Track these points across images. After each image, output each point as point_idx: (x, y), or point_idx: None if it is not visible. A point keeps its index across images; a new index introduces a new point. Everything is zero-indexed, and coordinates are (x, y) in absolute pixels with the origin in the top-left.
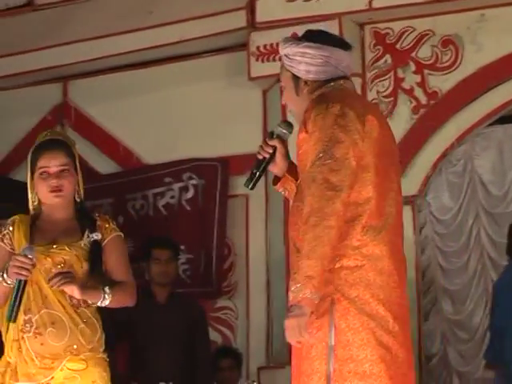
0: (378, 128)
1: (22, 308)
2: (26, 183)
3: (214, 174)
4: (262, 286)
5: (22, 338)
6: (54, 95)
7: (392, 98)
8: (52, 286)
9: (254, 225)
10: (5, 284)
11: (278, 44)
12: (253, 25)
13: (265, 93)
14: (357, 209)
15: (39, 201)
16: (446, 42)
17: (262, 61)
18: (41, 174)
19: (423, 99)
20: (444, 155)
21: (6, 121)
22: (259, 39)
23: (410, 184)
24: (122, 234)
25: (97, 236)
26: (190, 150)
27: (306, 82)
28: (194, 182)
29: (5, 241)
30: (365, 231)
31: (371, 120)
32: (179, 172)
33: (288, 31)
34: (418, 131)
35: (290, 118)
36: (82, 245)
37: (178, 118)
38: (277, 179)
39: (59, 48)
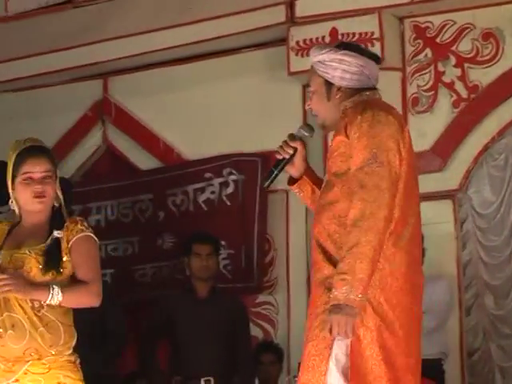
0: (409, 138)
1: None
2: (67, 179)
3: (255, 169)
4: (302, 281)
5: None
6: (95, 91)
7: (432, 92)
8: None
9: (294, 220)
10: None
11: (317, 39)
12: (292, 20)
13: (304, 87)
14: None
15: (18, 207)
16: (487, 35)
17: (302, 55)
18: (24, 179)
19: (464, 93)
20: (485, 149)
21: (47, 117)
22: (298, 34)
23: (451, 178)
24: (92, 235)
25: (58, 234)
26: (230, 145)
27: (339, 89)
28: (234, 177)
29: None
30: (391, 237)
31: (407, 131)
32: (219, 167)
33: (327, 26)
34: (458, 125)
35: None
36: (45, 246)
37: (218, 114)
38: (292, 180)
39: (99, 44)
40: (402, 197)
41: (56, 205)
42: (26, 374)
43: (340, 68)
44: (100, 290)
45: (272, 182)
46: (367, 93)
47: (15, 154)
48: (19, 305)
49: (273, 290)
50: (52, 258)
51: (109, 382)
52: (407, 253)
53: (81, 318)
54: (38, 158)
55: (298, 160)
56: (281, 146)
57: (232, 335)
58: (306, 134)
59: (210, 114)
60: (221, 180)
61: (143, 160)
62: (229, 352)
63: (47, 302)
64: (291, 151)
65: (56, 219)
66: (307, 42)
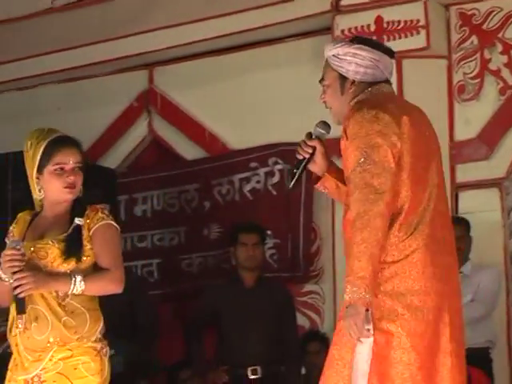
0: (412, 128)
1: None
2: (113, 170)
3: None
4: None
5: (16, 333)
6: (140, 82)
7: (479, 80)
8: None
9: (340, 209)
10: (2, 281)
11: (362, 27)
12: (337, 8)
13: None
14: (396, 207)
15: (44, 196)
16: None
17: None
18: (56, 169)
19: (510, 80)
20: None
21: (93, 108)
22: (343, 23)
23: (498, 166)
24: (113, 223)
25: (79, 221)
26: (276, 134)
27: (352, 82)
28: (279, 166)
29: (10, 238)
30: (401, 228)
31: (405, 121)
32: (265, 157)
33: (372, 14)
34: (505, 112)
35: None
36: (66, 236)
37: (264, 103)
38: (317, 178)
39: (145, 35)
40: (408, 188)
41: (79, 195)
42: (50, 360)
43: (354, 62)
44: (122, 276)
45: (296, 182)
46: (376, 87)
47: (44, 143)
48: (42, 296)
49: (319, 279)
50: (73, 245)
51: (146, 369)
52: (425, 237)
53: (111, 310)
54: (71, 149)
55: (319, 158)
56: (300, 146)
57: (278, 324)
58: (322, 131)
59: (256, 104)
60: (266, 169)
61: (189, 150)
62: (275, 341)
63: (69, 292)
64: (310, 150)
65: (77, 208)
66: (352, 30)
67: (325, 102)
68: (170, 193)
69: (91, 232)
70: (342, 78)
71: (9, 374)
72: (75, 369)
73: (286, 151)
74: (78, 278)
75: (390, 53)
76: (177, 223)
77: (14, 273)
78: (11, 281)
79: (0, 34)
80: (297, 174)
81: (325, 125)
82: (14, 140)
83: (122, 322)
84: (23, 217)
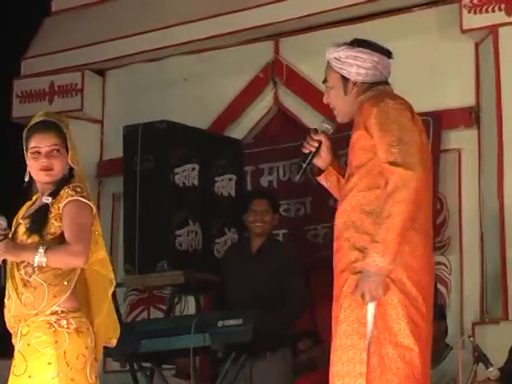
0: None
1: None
2: (240, 140)
3: (426, 128)
4: (475, 242)
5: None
6: (266, 53)
7: None
8: None
9: (467, 179)
10: None
11: None
12: None
13: (477, 45)
14: None
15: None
16: None
17: (475, 12)
18: (32, 153)
19: None
20: None
21: (219, 79)
22: None
23: None
24: (80, 198)
25: (46, 200)
26: None
27: (354, 83)
28: None
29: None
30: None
31: (417, 116)
32: None
33: None
34: None
35: None
36: (31, 214)
37: (391, 73)
38: (320, 172)
39: (270, 6)
40: None
41: (64, 175)
42: (18, 336)
43: (355, 64)
44: (81, 250)
45: (303, 175)
46: (379, 87)
47: (26, 129)
48: (13, 277)
49: (445, 250)
50: (34, 223)
51: (273, 339)
52: (424, 234)
53: (262, 284)
54: (45, 133)
55: (324, 152)
56: (306, 141)
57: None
58: (328, 126)
59: None
60: None
61: (314, 120)
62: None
63: (34, 261)
64: (316, 144)
65: (53, 188)
66: None
67: (328, 103)
68: (295, 163)
69: (61, 209)
70: (345, 80)
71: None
72: (28, 345)
73: None
74: (41, 249)
75: (388, 54)
76: (303, 194)
77: None
78: None
79: (130, 7)
80: (303, 167)
81: (331, 120)
82: (144, 111)
83: (272, 296)
84: (27, 203)
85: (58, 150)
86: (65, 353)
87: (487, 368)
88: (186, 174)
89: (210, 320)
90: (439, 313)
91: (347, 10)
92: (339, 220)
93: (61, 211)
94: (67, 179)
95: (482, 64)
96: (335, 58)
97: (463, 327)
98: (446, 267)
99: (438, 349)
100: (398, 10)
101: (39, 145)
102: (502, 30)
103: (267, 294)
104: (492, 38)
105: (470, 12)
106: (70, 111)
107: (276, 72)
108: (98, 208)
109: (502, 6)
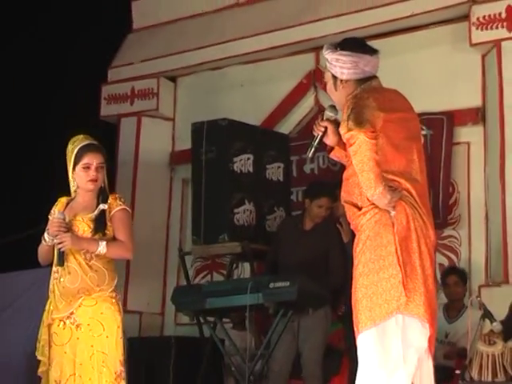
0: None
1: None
2: (287, 135)
3: (441, 125)
4: (481, 218)
5: (53, 283)
6: (309, 62)
7: None
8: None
9: (474, 167)
10: (45, 243)
11: (495, 15)
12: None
13: (483, 57)
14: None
15: (77, 186)
16: None
17: (482, 29)
18: (84, 167)
19: None
20: None
21: (269, 84)
22: (479, 11)
23: None
24: (127, 207)
25: (103, 206)
26: (421, 105)
27: (340, 81)
28: (424, 132)
29: (52, 215)
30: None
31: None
32: None
33: (504, 4)
34: None
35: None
36: (93, 216)
37: (411, 79)
38: (330, 149)
39: (312, 24)
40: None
41: (102, 186)
42: (80, 306)
43: (338, 65)
44: (131, 247)
45: (313, 152)
46: (362, 86)
47: (77, 148)
48: (74, 257)
49: (456, 225)
50: (99, 224)
51: (314, 299)
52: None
53: (310, 256)
54: (96, 153)
55: (330, 135)
56: (315, 125)
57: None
58: (330, 114)
59: (405, 80)
60: None
61: None
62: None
63: (96, 252)
64: (323, 129)
65: (103, 196)
66: (486, 17)
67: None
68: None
69: (111, 214)
70: (334, 78)
71: (45, 314)
72: (102, 313)
73: (429, 119)
74: (103, 243)
75: (370, 52)
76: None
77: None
78: (56, 240)
79: (197, 25)
80: (313, 146)
81: (333, 108)
82: (208, 110)
83: (317, 265)
84: (61, 201)
85: (102, 167)
86: (122, 318)
87: (491, 323)
88: (243, 163)
89: (263, 282)
90: (463, 278)
91: (375, 28)
92: (345, 195)
93: (111, 215)
94: (103, 189)
95: (488, 72)
96: (326, 59)
97: (471, 290)
98: (457, 240)
99: (459, 307)
100: (418, 27)
101: (91, 161)
102: (504, 44)
103: (313, 264)
104: (496, 51)
105: (477, 29)
106: (147, 111)
107: (316, 78)
108: (170, 191)
109: (505, 23)
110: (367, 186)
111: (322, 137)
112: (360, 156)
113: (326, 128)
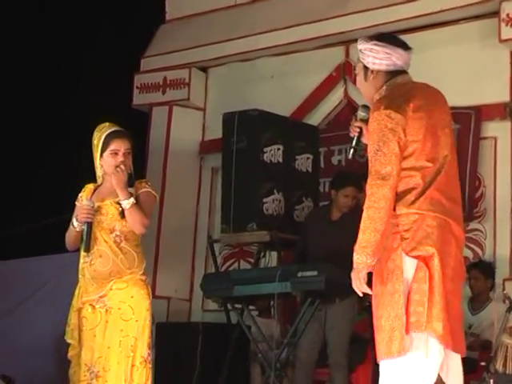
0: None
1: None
2: (316, 126)
3: (468, 120)
4: (506, 212)
5: (83, 267)
6: (339, 56)
7: None
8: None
9: (501, 162)
10: (73, 229)
11: None
12: None
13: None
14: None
15: (104, 172)
16: None
17: (511, 26)
18: (111, 153)
19: None
20: None
21: (299, 76)
22: (509, 7)
23: None
24: (151, 190)
25: (130, 191)
26: (449, 99)
27: (372, 71)
28: (453, 126)
29: (79, 201)
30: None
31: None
32: None
33: None
34: None
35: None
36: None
37: (439, 74)
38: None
39: (342, 18)
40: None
41: (129, 172)
42: (111, 289)
43: (371, 55)
44: (147, 224)
45: (353, 153)
46: (396, 80)
47: (105, 134)
48: (105, 241)
49: (482, 219)
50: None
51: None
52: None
53: (337, 246)
54: (123, 139)
55: (366, 133)
56: (350, 127)
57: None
58: (363, 113)
59: (434, 75)
60: None
61: None
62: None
63: (123, 199)
64: (357, 130)
65: (130, 181)
66: None
67: (358, 88)
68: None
69: (136, 194)
70: (365, 68)
71: (74, 299)
72: (132, 297)
73: (457, 114)
74: (132, 199)
75: (403, 46)
76: (365, 172)
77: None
78: (83, 227)
79: (228, 17)
80: (352, 148)
81: (365, 108)
82: (239, 101)
83: (342, 254)
84: (89, 187)
85: (129, 153)
86: (151, 301)
87: None
88: (273, 153)
89: (291, 271)
90: (489, 272)
91: (404, 23)
92: None
93: (136, 195)
94: (130, 175)
95: None
96: (359, 50)
97: (495, 283)
98: (482, 233)
99: (483, 300)
100: (448, 23)
101: (118, 147)
102: None
103: (341, 254)
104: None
105: (507, 25)
106: (178, 100)
107: (346, 71)
108: (200, 179)
109: None
110: (361, 246)
111: (360, 137)
112: (372, 211)
113: (360, 128)
